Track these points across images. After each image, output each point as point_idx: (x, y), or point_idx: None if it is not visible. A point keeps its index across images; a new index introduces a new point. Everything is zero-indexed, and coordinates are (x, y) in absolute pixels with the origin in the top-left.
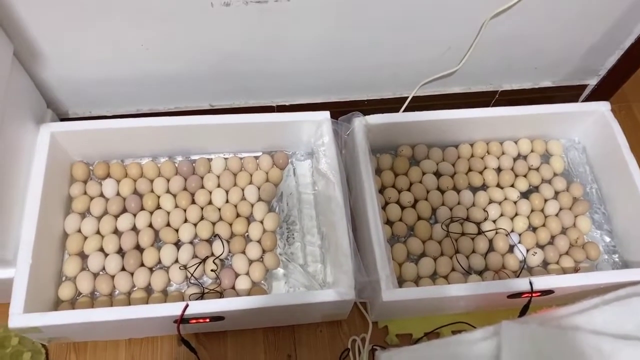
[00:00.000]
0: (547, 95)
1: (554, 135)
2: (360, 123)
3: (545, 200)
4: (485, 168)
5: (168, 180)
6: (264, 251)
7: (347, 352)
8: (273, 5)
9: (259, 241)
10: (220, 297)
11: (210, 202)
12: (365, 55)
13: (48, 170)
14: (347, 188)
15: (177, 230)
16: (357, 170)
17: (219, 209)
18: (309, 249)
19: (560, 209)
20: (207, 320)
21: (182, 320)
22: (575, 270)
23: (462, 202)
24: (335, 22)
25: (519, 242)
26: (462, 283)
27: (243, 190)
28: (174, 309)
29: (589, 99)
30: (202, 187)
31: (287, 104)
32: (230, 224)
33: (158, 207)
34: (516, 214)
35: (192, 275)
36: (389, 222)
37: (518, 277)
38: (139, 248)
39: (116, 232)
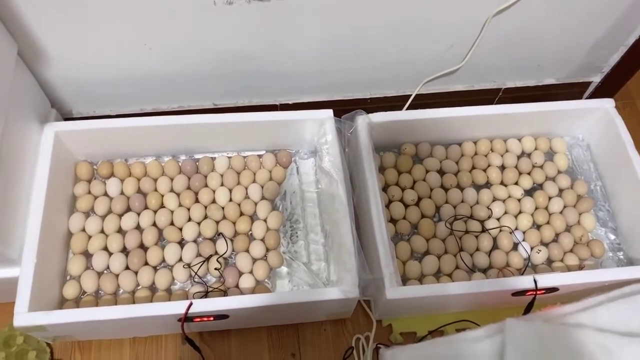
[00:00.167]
0: (551, 93)
1: (558, 132)
2: (363, 121)
3: (550, 198)
4: (488, 166)
5: (172, 179)
6: (267, 250)
7: (351, 351)
8: (275, 3)
9: (262, 240)
10: (224, 296)
11: (213, 201)
12: (368, 53)
13: (52, 169)
14: (351, 186)
15: (181, 229)
16: (361, 168)
17: (223, 208)
18: (312, 248)
19: (565, 207)
20: (211, 318)
21: (186, 318)
22: (580, 267)
23: (465, 200)
24: (338, 20)
25: (523, 240)
26: (466, 281)
27: (246, 188)
28: (178, 307)
29: (592, 96)
30: (206, 185)
31: (290, 102)
32: (234, 223)
33: (162, 206)
34: (520, 212)
35: (195, 273)
36: (392, 220)
37: (522, 274)
38: (143, 247)
39: (120, 231)
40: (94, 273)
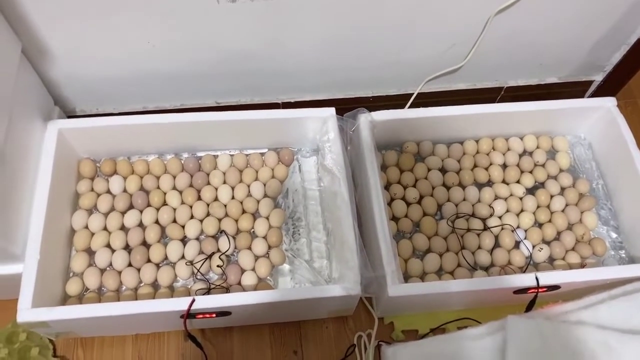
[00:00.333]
0: (553, 92)
1: (560, 131)
2: (365, 119)
3: (551, 196)
4: (490, 164)
5: (174, 177)
6: (269, 247)
7: (353, 348)
8: (278, 1)
9: (264, 237)
10: (227, 293)
11: (216, 199)
12: (370, 51)
13: (55, 167)
14: (353, 184)
15: (183, 227)
16: (363, 166)
17: (225, 206)
18: (314, 245)
19: (567, 205)
20: (214, 315)
21: (189, 315)
22: (582, 266)
23: (467, 199)
24: (340, 19)
25: (525, 238)
26: (467, 278)
27: (249, 186)
28: (180, 303)
29: (594, 95)
30: (208, 183)
31: (292, 100)
32: (236, 220)
33: (164, 203)
34: (522, 210)
35: (198, 270)
36: (394, 219)
37: (524, 272)
38: (145, 244)
39: (123, 228)
40: (96, 270)
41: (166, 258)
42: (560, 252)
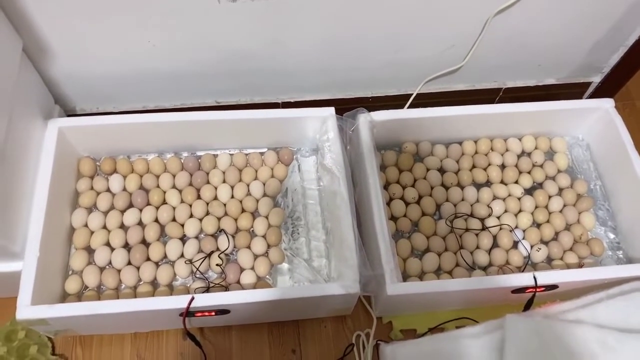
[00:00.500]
0: (551, 93)
1: (558, 132)
2: (365, 119)
3: (550, 197)
4: (489, 165)
5: (174, 176)
6: (269, 246)
7: (352, 347)
8: (278, 1)
9: (264, 236)
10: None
11: (215, 198)
12: (369, 52)
13: (55, 165)
14: (352, 184)
15: (182, 225)
16: (362, 166)
17: (225, 204)
18: (313, 244)
19: (564, 206)
20: (213, 313)
21: (188, 313)
22: (579, 266)
23: (466, 199)
24: (340, 19)
25: (523, 238)
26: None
27: (248, 185)
28: (180, 301)
29: (593, 96)
30: (208, 182)
31: (292, 100)
32: (236, 219)
33: (164, 202)
34: (520, 210)
35: (197, 269)
36: (393, 218)
37: (522, 272)
38: (145, 242)
39: (122, 226)
40: (96, 268)
41: (165, 256)
42: (558, 252)
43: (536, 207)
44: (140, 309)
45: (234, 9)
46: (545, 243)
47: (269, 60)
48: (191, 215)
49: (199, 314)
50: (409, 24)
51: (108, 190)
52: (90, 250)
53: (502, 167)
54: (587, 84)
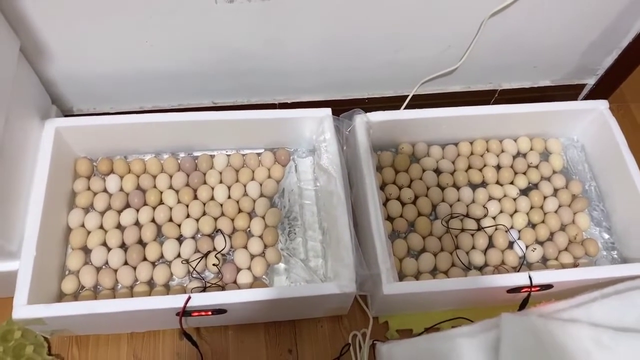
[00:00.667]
0: (547, 95)
1: (553, 133)
2: (361, 120)
3: (545, 197)
4: (484, 165)
5: (171, 177)
6: (265, 246)
7: (348, 347)
8: (275, 2)
9: (260, 236)
10: (222, 291)
11: (212, 198)
12: (366, 53)
13: (52, 165)
14: (349, 184)
15: (179, 225)
16: (359, 166)
17: (221, 205)
18: (310, 244)
19: (560, 206)
20: (209, 313)
21: (185, 313)
22: (574, 266)
23: (462, 199)
24: (337, 20)
25: (519, 239)
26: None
27: (245, 186)
28: (176, 301)
29: (587, 98)
30: (205, 183)
31: (289, 101)
32: (232, 220)
33: (161, 202)
34: (516, 211)
35: (194, 269)
36: (389, 218)
37: (518, 272)
38: (141, 243)
39: (119, 227)
40: (92, 268)
41: (162, 256)
42: (553, 252)
43: (531, 207)
44: (137, 308)
45: (231, 10)
46: (541, 243)
47: (266, 61)
48: (188, 216)
49: (196, 314)
50: (406, 24)
51: (105, 190)
52: (86, 250)
53: (498, 168)
54: (582, 86)
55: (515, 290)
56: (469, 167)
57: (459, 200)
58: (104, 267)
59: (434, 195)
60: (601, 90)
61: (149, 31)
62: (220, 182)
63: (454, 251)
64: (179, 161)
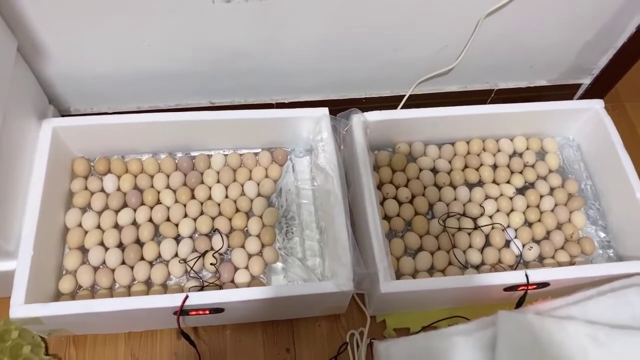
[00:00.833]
0: (542, 95)
1: (549, 133)
2: (358, 119)
3: (541, 196)
4: (481, 165)
5: (168, 176)
6: (263, 245)
7: (346, 346)
8: (272, 2)
9: (258, 236)
10: (220, 290)
11: (209, 198)
12: (363, 53)
13: (49, 165)
14: (346, 184)
15: (177, 225)
16: (356, 166)
17: (219, 204)
18: (307, 244)
19: (556, 205)
20: (207, 312)
21: (182, 311)
22: (571, 264)
23: (458, 198)
24: (334, 20)
25: (515, 237)
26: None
27: (242, 185)
28: (174, 299)
29: (583, 98)
30: (202, 182)
31: (286, 101)
32: (230, 219)
33: (158, 202)
34: (512, 210)
35: (191, 268)
36: (386, 218)
37: (514, 270)
38: (139, 242)
39: (116, 226)
40: (90, 268)
41: (160, 256)
42: (549, 250)
43: (528, 206)
44: (135, 307)
45: (228, 10)
46: (537, 242)
47: (263, 61)
48: (185, 215)
49: (193, 313)
50: (403, 24)
51: (102, 190)
52: (84, 250)
53: (494, 167)
54: (577, 86)
55: (512, 288)
56: (466, 167)
57: (455, 199)
58: (101, 266)
59: (431, 195)
60: (597, 89)
61: (146, 31)
62: (218, 181)
63: (451, 250)
64: (177, 161)
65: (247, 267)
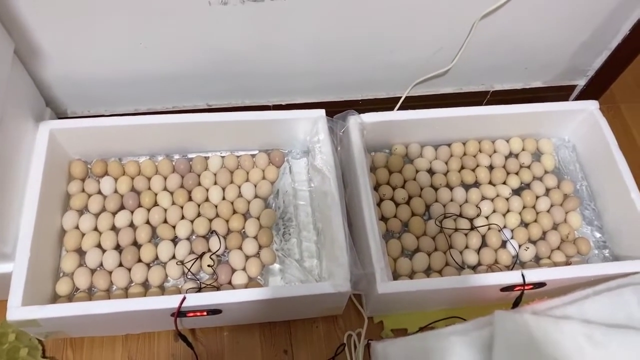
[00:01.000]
0: (538, 96)
1: (545, 134)
2: (355, 121)
3: (537, 197)
4: (477, 166)
5: (165, 178)
6: (260, 247)
7: (343, 347)
8: (269, 4)
9: (255, 237)
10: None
11: (207, 199)
12: (359, 55)
13: (47, 167)
14: (343, 185)
15: (174, 227)
16: (352, 167)
17: (216, 206)
18: (304, 245)
19: (552, 206)
20: (205, 313)
21: (180, 313)
22: (567, 264)
23: (455, 199)
24: (331, 22)
25: (512, 238)
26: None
27: (239, 187)
28: (171, 301)
29: (578, 99)
30: (199, 184)
31: (283, 103)
32: (227, 221)
33: (155, 204)
34: (508, 210)
35: (189, 270)
36: (383, 219)
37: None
38: (136, 244)
39: (114, 228)
40: (87, 270)
41: (157, 258)
42: (545, 251)
43: (524, 207)
44: (132, 309)
45: (225, 12)
46: (533, 242)
47: (259, 63)
48: (182, 217)
49: (191, 314)
50: (399, 26)
51: (99, 192)
52: (81, 252)
53: (490, 168)
54: (573, 87)
55: (509, 288)
56: (462, 168)
57: (452, 200)
58: (98, 268)
59: (428, 196)
60: (592, 91)
61: (143, 33)
62: (215, 183)
63: (448, 251)
64: (174, 163)
65: (244, 269)
